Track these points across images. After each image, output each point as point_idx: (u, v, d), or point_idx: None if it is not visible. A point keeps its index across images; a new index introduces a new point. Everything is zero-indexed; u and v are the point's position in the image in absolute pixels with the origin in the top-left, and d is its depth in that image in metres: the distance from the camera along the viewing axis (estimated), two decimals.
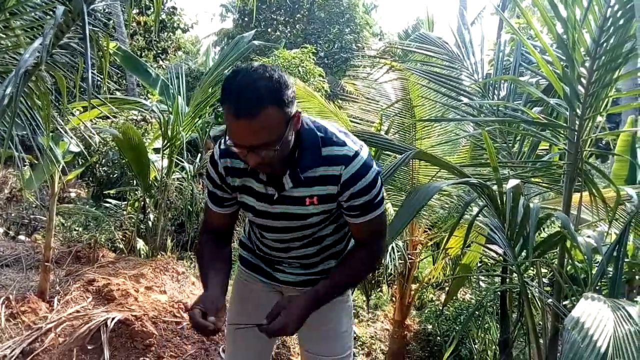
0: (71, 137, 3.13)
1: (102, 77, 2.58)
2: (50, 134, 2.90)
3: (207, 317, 1.32)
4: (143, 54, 11.85)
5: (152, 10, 11.07)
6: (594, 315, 1.32)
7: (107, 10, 10.63)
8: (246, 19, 17.24)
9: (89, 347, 2.79)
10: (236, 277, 1.85)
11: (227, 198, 1.54)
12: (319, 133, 1.39)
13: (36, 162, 3.19)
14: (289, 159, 1.37)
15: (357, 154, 1.39)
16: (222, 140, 1.47)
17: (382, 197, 1.47)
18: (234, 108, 1.19)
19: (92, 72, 2.71)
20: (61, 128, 2.74)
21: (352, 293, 3.69)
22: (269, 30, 17.83)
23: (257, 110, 1.18)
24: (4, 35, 2.43)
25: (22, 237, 4.75)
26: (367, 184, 1.39)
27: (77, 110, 4.17)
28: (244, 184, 1.47)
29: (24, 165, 2.69)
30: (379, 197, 1.45)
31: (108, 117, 5.87)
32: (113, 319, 2.93)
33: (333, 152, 1.38)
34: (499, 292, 3.10)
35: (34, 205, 5.14)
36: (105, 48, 2.40)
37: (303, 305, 1.41)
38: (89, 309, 3.14)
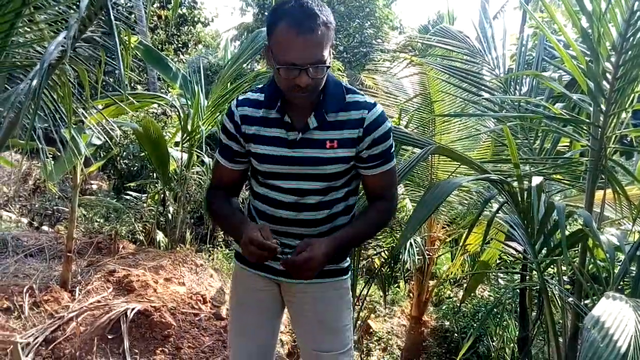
0: (95, 129, 3.17)
1: (126, 72, 2.61)
2: (73, 126, 2.95)
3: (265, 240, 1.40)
4: (164, 48, 11.96)
5: (171, 3, 11.16)
6: (615, 314, 1.30)
7: (128, 4, 10.76)
8: (266, 13, 17.26)
9: (109, 337, 2.84)
10: (233, 276, 1.84)
11: (239, 153, 1.58)
12: (342, 83, 1.53)
13: (59, 154, 3.24)
14: (315, 99, 1.45)
15: (375, 103, 1.52)
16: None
17: (394, 150, 1.60)
18: (294, 25, 1.29)
19: (114, 66, 2.75)
20: (86, 120, 2.78)
21: (369, 289, 3.68)
22: None
23: (316, 25, 1.29)
24: (28, 29, 2.48)
25: (45, 228, 4.84)
26: (386, 131, 1.51)
27: (100, 105, 4.22)
28: (259, 133, 1.52)
29: (47, 158, 2.74)
30: (393, 148, 1.57)
31: (129, 112, 5.95)
32: (133, 309, 2.97)
33: (355, 99, 1.50)
34: (518, 290, 3.07)
35: (57, 197, 5.23)
36: (128, 42, 2.42)
37: (327, 243, 1.46)
38: (110, 299, 3.19)
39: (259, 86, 1.59)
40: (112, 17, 1.83)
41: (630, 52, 1.92)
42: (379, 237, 3.81)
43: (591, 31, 1.95)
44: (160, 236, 4.75)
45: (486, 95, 2.62)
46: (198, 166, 5.03)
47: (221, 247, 5.27)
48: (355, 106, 1.49)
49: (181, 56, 13.01)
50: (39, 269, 3.59)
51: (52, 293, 3.16)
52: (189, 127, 4.59)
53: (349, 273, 1.75)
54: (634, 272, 1.96)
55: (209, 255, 4.76)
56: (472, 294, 4.36)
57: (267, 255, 1.41)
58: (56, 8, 2.55)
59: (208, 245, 5.21)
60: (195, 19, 12.63)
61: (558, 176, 2.43)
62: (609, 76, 1.97)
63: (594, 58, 1.95)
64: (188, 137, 4.63)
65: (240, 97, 1.56)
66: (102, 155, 5.13)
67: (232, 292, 1.84)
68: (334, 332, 1.70)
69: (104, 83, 2.63)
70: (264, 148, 1.52)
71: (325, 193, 1.55)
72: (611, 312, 1.32)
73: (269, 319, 1.77)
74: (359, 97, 1.51)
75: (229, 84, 4.81)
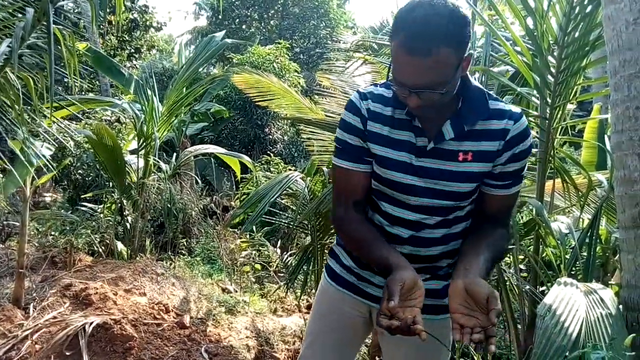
0: (47, 138, 3.06)
1: (72, 78, 2.54)
2: (23, 136, 2.84)
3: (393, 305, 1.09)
4: (116, 54, 11.67)
5: (122, 9, 10.90)
6: (566, 300, 1.34)
7: (77, 11, 10.44)
8: (220, 16, 17.10)
9: (67, 354, 2.74)
10: (321, 290, 1.64)
11: (367, 151, 1.35)
12: (482, 88, 1.32)
13: (7, 166, 3.11)
14: (450, 107, 1.27)
15: (522, 114, 1.31)
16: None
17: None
18: (407, 44, 1.11)
19: (62, 73, 2.66)
20: (34, 129, 2.68)
21: None
22: (244, 27, 17.71)
23: (432, 49, 1.09)
24: None
25: None
26: (527, 148, 1.30)
27: (49, 112, 4.07)
28: (383, 132, 1.32)
29: None
30: (525, 169, 1.36)
31: (80, 119, 5.78)
32: (91, 323, 2.88)
33: (499, 106, 1.30)
34: None
35: (6, 212, 5.02)
36: (72, 47, 2.35)
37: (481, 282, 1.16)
38: (67, 315, 3.08)
39: (382, 81, 1.39)
40: (52, 23, 1.76)
41: (571, 46, 1.99)
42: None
43: (535, 27, 2.01)
44: (120, 246, 4.63)
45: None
46: (155, 173, 4.93)
47: (182, 255, 5.18)
48: (500, 115, 1.28)
49: (134, 61, 12.73)
50: None
51: (4, 312, 3.02)
52: (145, 133, 4.50)
53: None
54: (585, 257, 2.04)
55: (170, 264, 4.67)
56: None
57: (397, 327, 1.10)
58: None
59: (169, 254, 5.11)
60: (147, 23, 12.37)
61: None
62: (553, 70, 2.04)
63: (538, 53, 2.02)
64: (144, 144, 4.53)
65: (362, 91, 1.36)
66: (54, 166, 4.96)
67: (317, 308, 1.65)
68: None
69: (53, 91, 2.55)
70: (385, 150, 1.32)
71: (449, 213, 1.35)
72: (562, 298, 1.37)
73: (350, 347, 1.62)
74: (502, 105, 1.30)
75: (184, 89, 4.74)
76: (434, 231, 1.37)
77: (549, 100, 2.09)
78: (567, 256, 2.08)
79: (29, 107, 2.56)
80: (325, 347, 1.58)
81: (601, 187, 2.21)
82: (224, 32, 5.32)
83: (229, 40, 5.01)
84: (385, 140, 1.32)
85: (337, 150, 1.38)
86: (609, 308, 1.34)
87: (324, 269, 1.64)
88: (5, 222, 4.91)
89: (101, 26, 10.44)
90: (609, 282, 2.42)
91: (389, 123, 1.31)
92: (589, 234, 1.99)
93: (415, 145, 1.29)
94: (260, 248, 5.02)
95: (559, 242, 1.97)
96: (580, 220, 2.38)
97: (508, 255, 2.30)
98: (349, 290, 1.53)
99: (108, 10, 10.99)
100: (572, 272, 2.09)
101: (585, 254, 2.06)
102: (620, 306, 1.49)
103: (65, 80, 2.50)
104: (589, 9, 1.96)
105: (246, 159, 5.11)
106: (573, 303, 1.33)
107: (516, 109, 1.32)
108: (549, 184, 2.22)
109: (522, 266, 2.79)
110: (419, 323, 1.08)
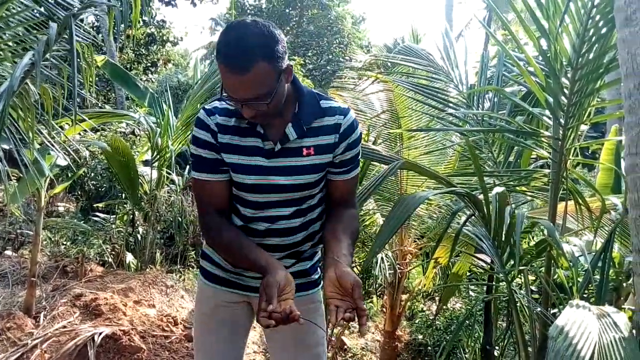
0: (59, 151, 3.11)
1: (89, 90, 2.58)
2: (38, 146, 2.89)
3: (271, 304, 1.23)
4: (132, 67, 11.85)
5: (140, 23, 11.08)
6: (579, 323, 1.33)
7: (96, 25, 10.64)
8: None
9: None
10: (198, 294, 1.75)
11: (222, 161, 1.46)
12: (314, 91, 1.52)
13: (22, 175, 3.16)
14: (289, 111, 1.43)
15: (349, 109, 1.52)
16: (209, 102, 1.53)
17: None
18: (226, 63, 1.24)
19: (78, 86, 2.71)
20: (47, 141, 2.72)
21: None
22: None
23: (248, 65, 1.22)
24: None
25: (8, 253, 4.68)
26: (358, 136, 1.51)
27: (67, 124, 4.14)
28: (233, 142, 1.45)
29: (10, 180, 2.66)
30: (360, 154, 1.56)
31: (97, 130, 5.85)
32: (100, 334, 2.89)
33: (331, 104, 1.48)
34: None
35: (20, 220, 5.08)
36: (91, 60, 2.39)
37: (347, 270, 1.30)
38: (76, 324, 3.10)
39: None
40: (74, 37, 1.80)
41: (585, 68, 1.99)
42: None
43: (548, 48, 2.02)
44: (129, 257, 4.65)
45: (450, 110, 2.67)
46: (167, 185, 4.96)
47: (192, 268, 5.19)
48: (332, 111, 1.47)
49: (150, 75, 12.91)
50: (1, 295, 3.46)
51: (15, 320, 3.05)
52: (159, 146, 4.55)
53: (320, 285, 1.71)
54: (597, 280, 2.01)
55: (180, 276, 4.68)
56: (444, 307, 4.39)
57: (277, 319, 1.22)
58: (18, 29, 2.52)
59: (179, 266, 5.12)
60: (164, 37, 12.57)
61: (522, 188, 2.49)
62: (566, 91, 2.04)
63: (552, 74, 2.02)
64: (158, 156, 4.58)
65: (208, 107, 1.47)
66: (69, 175, 5.02)
67: (198, 312, 1.76)
68: (309, 347, 1.67)
69: (69, 102, 2.59)
70: (238, 157, 1.45)
71: (302, 202, 1.51)
72: (575, 320, 1.35)
73: (240, 335, 1.73)
74: (332, 103, 1.49)
75: (198, 105, 4.79)
76: (291, 221, 1.51)
77: (562, 121, 2.09)
78: (580, 279, 2.06)
79: (44, 119, 2.61)
80: (218, 343, 1.68)
81: (616, 211, 2.19)
82: None
83: None
84: (236, 149, 1.45)
85: (194, 164, 1.50)
86: (622, 332, 1.32)
87: (199, 273, 1.75)
88: (19, 231, 4.97)
89: (119, 40, 10.63)
90: (622, 306, 2.39)
91: (237, 133, 1.45)
92: (602, 256, 1.96)
93: (263, 149, 1.44)
94: None
95: (571, 264, 1.95)
96: (594, 243, 2.35)
97: (519, 275, 2.28)
98: (225, 286, 1.65)
99: (126, 24, 11.19)
100: (585, 295, 2.06)
101: (598, 277, 2.03)
102: (634, 330, 1.47)
103: (82, 92, 2.55)
104: (603, 31, 1.96)
105: None
106: (586, 326, 1.31)
107: (343, 105, 1.52)
108: (561, 205, 2.20)
109: (533, 287, 2.76)
110: (294, 311, 1.22)
